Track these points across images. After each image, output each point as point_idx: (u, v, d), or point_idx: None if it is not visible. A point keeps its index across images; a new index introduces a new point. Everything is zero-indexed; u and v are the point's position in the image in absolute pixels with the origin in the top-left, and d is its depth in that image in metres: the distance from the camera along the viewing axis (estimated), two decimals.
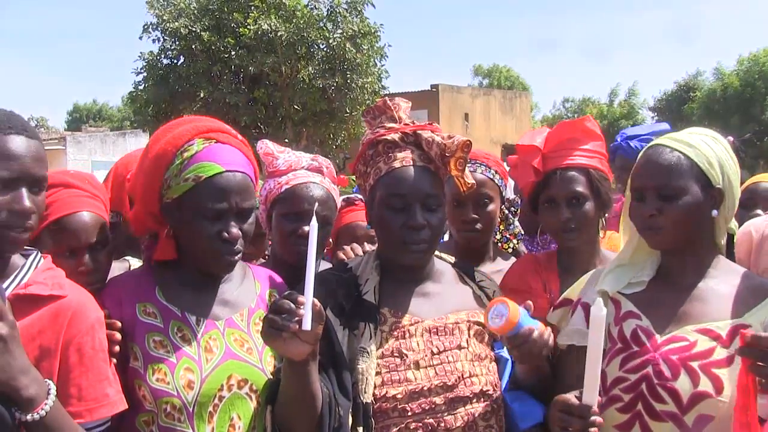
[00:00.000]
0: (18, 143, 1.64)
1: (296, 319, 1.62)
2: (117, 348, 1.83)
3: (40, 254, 1.81)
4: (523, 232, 3.16)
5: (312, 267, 1.65)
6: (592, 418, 1.73)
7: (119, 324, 1.87)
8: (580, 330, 2.06)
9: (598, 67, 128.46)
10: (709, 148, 1.97)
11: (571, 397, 1.79)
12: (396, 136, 2.04)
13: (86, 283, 2.01)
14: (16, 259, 1.76)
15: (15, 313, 1.58)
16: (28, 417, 1.51)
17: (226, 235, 1.85)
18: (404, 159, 2.01)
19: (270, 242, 2.90)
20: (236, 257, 1.91)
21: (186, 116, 2.07)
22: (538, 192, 2.48)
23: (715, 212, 1.97)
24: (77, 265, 2.06)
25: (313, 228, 1.70)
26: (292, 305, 1.63)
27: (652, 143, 2.05)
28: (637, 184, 2.01)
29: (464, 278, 2.19)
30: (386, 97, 2.15)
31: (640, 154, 2.06)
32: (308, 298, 1.63)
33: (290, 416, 1.83)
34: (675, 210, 1.93)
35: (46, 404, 1.53)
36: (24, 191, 1.64)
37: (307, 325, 1.61)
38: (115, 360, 1.82)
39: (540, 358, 1.94)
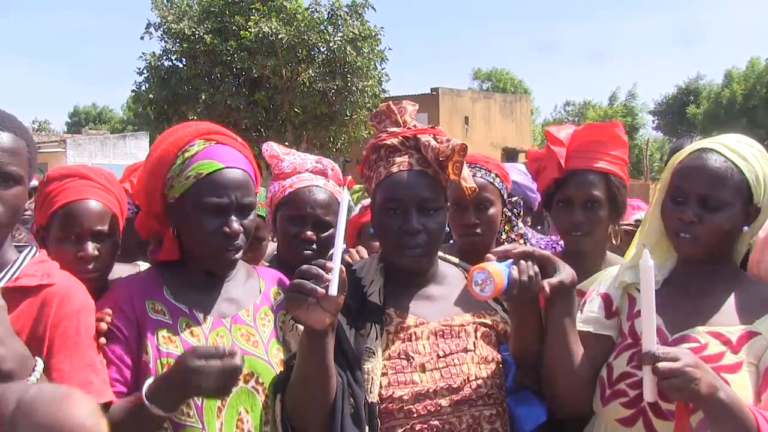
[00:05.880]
0: None
1: (323, 285, 1.64)
2: (103, 339, 1.82)
3: (35, 249, 1.83)
4: (529, 234, 3.16)
5: (341, 235, 1.69)
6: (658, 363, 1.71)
7: (110, 311, 1.87)
8: (598, 318, 2.06)
9: (600, 71, 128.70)
10: (758, 162, 1.92)
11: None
12: (396, 141, 2.05)
13: (86, 271, 2.06)
14: (11, 254, 1.77)
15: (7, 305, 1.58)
16: None
17: (227, 229, 1.88)
18: (402, 164, 2.02)
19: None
20: (237, 254, 1.93)
21: (187, 122, 2.12)
22: (555, 190, 2.47)
23: (746, 228, 1.95)
24: (79, 250, 2.09)
25: (345, 195, 1.76)
26: (320, 270, 1.65)
27: (702, 145, 1.95)
28: (680, 185, 1.93)
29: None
30: (391, 101, 2.16)
31: (686, 154, 1.96)
32: (336, 265, 1.65)
33: (303, 400, 1.81)
34: (715, 222, 1.88)
35: (28, 381, 1.50)
36: None
37: (333, 290, 1.63)
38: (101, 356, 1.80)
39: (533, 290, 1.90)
